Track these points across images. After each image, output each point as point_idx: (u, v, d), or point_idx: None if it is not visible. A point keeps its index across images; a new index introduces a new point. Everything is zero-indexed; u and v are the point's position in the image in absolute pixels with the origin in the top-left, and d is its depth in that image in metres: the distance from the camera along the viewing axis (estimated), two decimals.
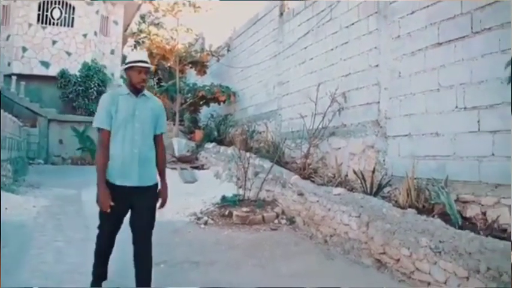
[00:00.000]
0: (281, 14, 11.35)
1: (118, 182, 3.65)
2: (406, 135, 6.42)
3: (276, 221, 7.23)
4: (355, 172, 6.89)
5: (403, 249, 4.77)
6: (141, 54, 3.92)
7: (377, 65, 7.16)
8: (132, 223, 3.78)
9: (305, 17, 9.91)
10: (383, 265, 5.08)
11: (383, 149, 6.91)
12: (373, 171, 6.61)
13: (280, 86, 11.15)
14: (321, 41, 9.08)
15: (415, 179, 5.84)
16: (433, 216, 5.08)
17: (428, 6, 6.09)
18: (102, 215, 3.74)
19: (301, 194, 7.11)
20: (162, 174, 3.99)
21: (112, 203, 3.59)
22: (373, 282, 4.73)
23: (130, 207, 3.76)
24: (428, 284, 4.43)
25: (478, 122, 5.22)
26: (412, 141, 6.28)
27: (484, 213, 5.04)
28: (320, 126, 8.43)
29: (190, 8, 14.30)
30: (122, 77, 18.63)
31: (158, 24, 15.20)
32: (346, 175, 7.44)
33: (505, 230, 4.72)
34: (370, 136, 7.24)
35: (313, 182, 7.46)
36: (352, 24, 7.96)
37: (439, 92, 5.83)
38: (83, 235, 5.93)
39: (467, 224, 5.00)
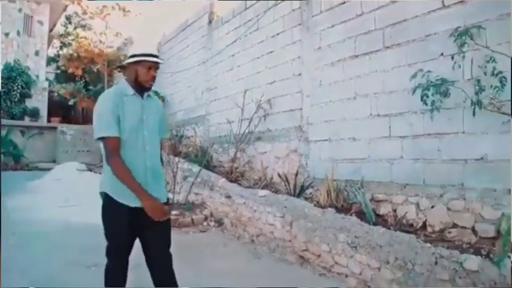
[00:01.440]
0: (210, 22, 11.55)
1: (133, 204, 2.96)
2: (326, 140, 6.84)
3: (205, 223, 7.41)
4: (279, 175, 7.23)
5: (324, 245, 5.10)
6: (150, 47, 3.31)
7: (300, 74, 7.56)
8: (149, 250, 3.20)
9: (233, 26, 10.18)
10: (306, 261, 5.38)
11: (305, 152, 7.30)
12: (296, 174, 7.00)
13: (208, 92, 11.34)
14: (248, 49, 9.38)
15: (335, 180, 6.25)
16: (351, 215, 5.49)
17: (346, 21, 6.55)
18: (114, 241, 3.11)
19: (228, 197, 7.31)
20: None
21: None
22: (297, 278, 4.97)
23: (142, 231, 3.12)
24: (346, 276, 4.80)
25: (389, 128, 5.73)
26: (332, 146, 6.70)
27: (394, 211, 5.53)
28: (246, 131, 8.74)
29: (119, 12, 14.13)
30: (47, 79, 17.93)
31: (85, 26, 14.87)
32: (272, 178, 7.76)
33: (411, 225, 5.25)
34: (294, 141, 7.62)
35: (240, 184, 7.72)
36: (278, 34, 8.31)
37: (355, 100, 6.30)
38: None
39: (380, 220, 5.47)
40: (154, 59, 3.12)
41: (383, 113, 5.84)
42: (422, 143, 5.28)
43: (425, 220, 5.17)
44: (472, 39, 4.47)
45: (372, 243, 4.64)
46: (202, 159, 9.04)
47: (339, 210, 5.75)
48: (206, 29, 11.73)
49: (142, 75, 3.11)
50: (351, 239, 4.83)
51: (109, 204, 3.03)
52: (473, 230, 4.68)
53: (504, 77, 4.28)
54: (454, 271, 3.88)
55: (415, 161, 5.35)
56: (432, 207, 5.10)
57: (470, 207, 4.71)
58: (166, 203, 3.22)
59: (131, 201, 2.96)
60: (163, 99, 14.21)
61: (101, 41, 14.31)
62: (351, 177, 6.18)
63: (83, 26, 14.80)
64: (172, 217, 7.26)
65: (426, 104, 4.93)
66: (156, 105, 3.32)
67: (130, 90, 3.11)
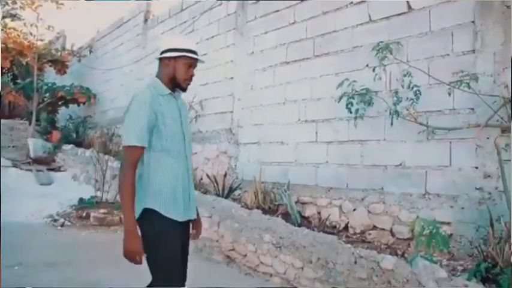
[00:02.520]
0: (146, 20, 11.45)
1: (182, 218, 2.59)
2: (255, 143, 7.00)
3: None
4: (208, 176, 7.30)
5: (250, 246, 5.20)
6: (191, 41, 2.76)
7: (232, 77, 7.69)
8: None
9: (169, 26, 10.15)
10: (232, 260, 5.46)
11: (235, 155, 7.43)
12: (225, 175, 7.11)
13: None
14: None
15: (262, 182, 6.42)
16: (277, 216, 5.63)
17: (279, 29, 6.74)
18: (169, 266, 2.57)
19: None
20: None
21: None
22: (223, 277, 5.03)
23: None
24: (271, 275, 4.93)
25: (316, 133, 5.97)
26: (261, 149, 6.87)
27: (319, 213, 5.78)
28: None
29: (52, 4, 13.57)
30: None
31: (15, 16, 14.13)
32: (201, 179, 7.81)
33: (334, 227, 5.51)
34: (224, 143, 7.73)
35: None
36: (212, 37, 8.38)
37: (285, 105, 6.50)
38: None
39: (305, 222, 5.69)
40: (196, 56, 2.67)
41: (310, 118, 6.08)
42: (347, 148, 5.56)
43: (348, 222, 5.44)
44: (391, 53, 4.76)
45: (296, 244, 4.78)
46: None
47: (265, 211, 5.88)
48: (141, 28, 11.61)
49: (182, 73, 2.65)
50: (276, 239, 4.95)
51: (158, 222, 2.51)
52: (391, 231, 4.99)
53: (419, 91, 4.60)
54: (371, 270, 4.10)
55: (339, 165, 5.61)
56: (354, 210, 5.39)
57: (388, 211, 5.03)
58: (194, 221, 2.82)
59: (180, 214, 2.58)
60: (94, 96, 13.89)
61: (31, 33, 13.65)
62: (278, 179, 6.36)
63: (13, 16, 14.00)
64: (100, 216, 7.22)
65: (351, 112, 5.20)
66: (186, 105, 2.93)
67: (166, 89, 2.66)
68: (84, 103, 14.03)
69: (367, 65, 5.29)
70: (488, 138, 4.24)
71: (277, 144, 6.56)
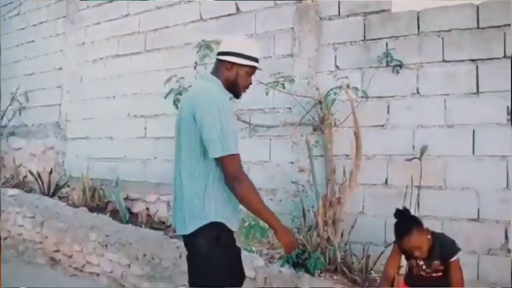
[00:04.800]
0: None
1: (234, 226, 2.45)
2: (84, 138, 6.73)
3: None
4: (31, 173, 6.85)
5: (75, 245, 5.02)
6: (259, 49, 2.58)
7: (61, 68, 7.27)
8: None
9: None
10: (57, 262, 5.22)
11: (62, 150, 7.07)
12: (51, 172, 6.73)
13: None
14: (8, 35, 8.63)
15: (91, 179, 6.21)
16: (106, 213, 5.54)
17: (112, 20, 6.55)
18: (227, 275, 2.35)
19: None
20: None
21: None
22: (47, 280, 4.79)
23: None
24: (98, 275, 4.81)
25: (145, 129, 5.94)
26: (90, 144, 6.64)
27: (148, 209, 5.75)
28: None
29: None
30: None
31: None
32: (26, 176, 7.30)
33: (163, 222, 5.54)
34: (51, 137, 7.30)
35: None
36: (41, 23, 7.84)
37: (114, 100, 6.36)
38: None
39: (134, 218, 5.63)
40: (257, 65, 2.50)
41: (140, 114, 6.03)
42: (174, 144, 5.55)
43: None
44: (211, 52, 4.92)
45: (122, 241, 4.75)
46: None
47: (94, 209, 5.76)
48: None
49: (243, 81, 2.48)
50: (102, 237, 4.86)
51: (225, 236, 2.35)
52: None
53: None
54: None
55: (168, 161, 5.58)
56: None
57: None
58: None
59: (235, 224, 2.45)
60: None
61: None
62: (107, 176, 6.19)
63: None
64: None
65: (177, 108, 5.22)
66: None
67: (227, 93, 2.47)
68: None
69: (196, 63, 5.38)
70: (302, 135, 4.58)
71: (107, 140, 6.40)
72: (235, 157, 2.27)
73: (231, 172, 2.25)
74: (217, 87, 2.40)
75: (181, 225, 2.38)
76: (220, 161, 2.25)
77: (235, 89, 2.48)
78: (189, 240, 2.37)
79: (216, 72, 2.48)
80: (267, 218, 2.33)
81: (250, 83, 2.53)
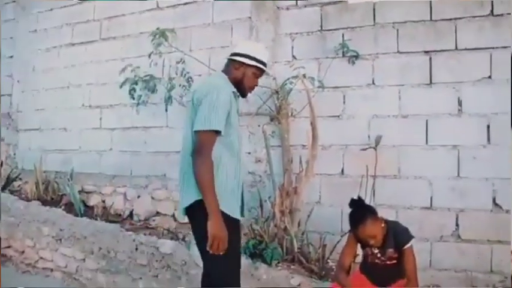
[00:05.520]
0: None
1: (236, 214, 2.59)
2: (37, 129, 6.51)
3: None
4: None
5: (27, 241, 4.93)
6: (266, 53, 2.82)
7: (11, 56, 7.00)
8: None
9: None
10: (8, 259, 5.10)
11: (14, 142, 6.84)
12: (1, 165, 6.52)
13: None
14: None
15: (44, 172, 6.04)
16: (61, 207, 5.40)
17: (66, 7, 6.33)
18: (228, 264, 2.52)
19: None
20: None
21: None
22: None
23: None
24: (51, 270, 4.74)
25: (101, 119, 5.81)
26: (43, 136, 6.43)
27: (103, 201, 5.65)
28: None
29: None
30: None
31: None
32: None
33: (119, 215, 5.45)
34: (2, 129, 7.00)
35: None
36: None
37: (69, 90, 6.17)
38: None
39: (89, 211, 5.51)
40: (265, 69, 2.76)
41: (95, 104, 5.89)
42: (130, 135, 5.53)
43: (132, 209, 5.43)
44: (166, 40, 4.83)
45: (76, 235, 4.67)
46: None
47: (48, 202, 5.61)
48: None
49: (249, 81, 2.69)
50: (56, 231, 4.77)
51: (226, 224, 2.42)
52: (173, 216, 5.13)
53: (191, 78, 4.77)
54: (151, 255, 4.21)
55: (124, 152, 5.57)
56: (138, 197, 5.40)
57: (171, 196, 5.15)
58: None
59: (237, 212, 2.60)
60: None
61: None
62: (62, 168, 6.04)
63: None
64: None
65: (133, 98, 5.15)
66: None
67: (234, 89, 2.65)
68: None
69: (153, 52, 5.28)
70: (259, 125, 4.59)
71: (60, 131, 6.21)
72: (209, 134, 2.42)
73: (198, 145, 2.42)
74: (223, 81, 2.63)
75: None
76: (196, 135, 2.43)
77: (241, 87, 2.68)
78: None
79: (226, 70, 2.70)
80: (208, 201, 2.37)
81: (256, 85, 2.75)
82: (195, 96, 2.54)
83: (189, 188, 2.47)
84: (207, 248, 2.36)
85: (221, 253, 2.37)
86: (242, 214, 2.72)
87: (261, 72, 2.71)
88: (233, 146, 2.59)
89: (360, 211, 2.78)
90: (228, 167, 2.55)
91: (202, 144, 2.41)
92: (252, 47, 2.78)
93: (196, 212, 2.46)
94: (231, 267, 2.54)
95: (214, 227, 2.34)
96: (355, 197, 2.92)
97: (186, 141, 2.56)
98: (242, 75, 2.66)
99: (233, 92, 2.61)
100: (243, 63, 2.64)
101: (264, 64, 2.69)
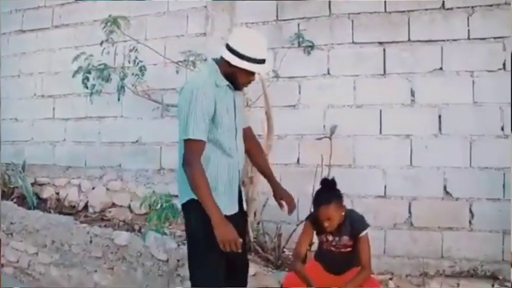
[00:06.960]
0: None
1: (229, 211, 2.50)
2: None
3: None
4: None
5: None
6: (262, 49, 2.43)
7: None
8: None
9: None
10: None
11: None
12: None
13: None
14: None
15: None
16: (13, 200, 5.29)
17: None
18: (212, 264, 2.48)
19: None
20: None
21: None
22: None
23: None
24: (2, 265, 4.56)
25: (53, 109, 5.68)
26: None
27: (57, 193, 5.53)
28: None
29: None
30: None
31: None
32: None
33: (74, 207, 5.36)
34: None
35: None
36: None
37: (20, 78, 6.00)
38: None
39: (43, 204, 5.40)
40: (257, 70, 2.46)
41: (47, 93, 5.75)
42: (84, 125, 5.44)
43: (87, 201, 5.35)
44: (119, 28, 4.72)
45: (28, 228, 4.56)
46: None
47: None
48: None
49: (242, 78, 2.48)
50: (7, 225, 4.65)
51: (203, 214, 2.35)
52: (129, 208, 5.09)
53: (144, 66, 4.64)
54: (106, 247, 4.16)
55: (77, 143, 5.48)
56: (93, 188, 5.33)
57: (126, 187, 5.13)
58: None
59: (225, 208, 2.44)
60: None
61: None
62: (13, 160, 5.84)
63: None
64: None
65: (87, 88, 5.02)
66: (242, 96, 2.83)
67: (224, 81, 2.47)
68: None
69: (107, 40, 5.16)
70: None
71: (12, 121, 6.02)
72: (190, 142, 2.35)
73: (184, 155, 2.38)
74: (207, 72, 2.51)
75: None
76: (182, 142, 2.40)
77: (234, 83, 2.51)
78: None
79: (218, 61, 2.49)
80: (208, 207, 2.33)
81: (252, 80, 2.55)
82: (178, 99, 2.50)
83: (183, 185, 2.46)
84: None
85: (239, 250, 2.34)
86: (241, 208, 2.68)
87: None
88: (223, 143, 2.48)
89: (328, 192, 2.76)
90: (218, 164, 2.49)
91: (187, 154, 2.37)
92: (245, 40, 2.43)
93: (191, 213, 2.51)
94: (212, 267, 2.48)
95: (219, 233, 2.30)
96: (322, 181, 2.89)
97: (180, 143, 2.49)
98: (234, 73, 2.45)
99: (221, 86, 2.46)
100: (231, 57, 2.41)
101: (259, 61, 2.40)
